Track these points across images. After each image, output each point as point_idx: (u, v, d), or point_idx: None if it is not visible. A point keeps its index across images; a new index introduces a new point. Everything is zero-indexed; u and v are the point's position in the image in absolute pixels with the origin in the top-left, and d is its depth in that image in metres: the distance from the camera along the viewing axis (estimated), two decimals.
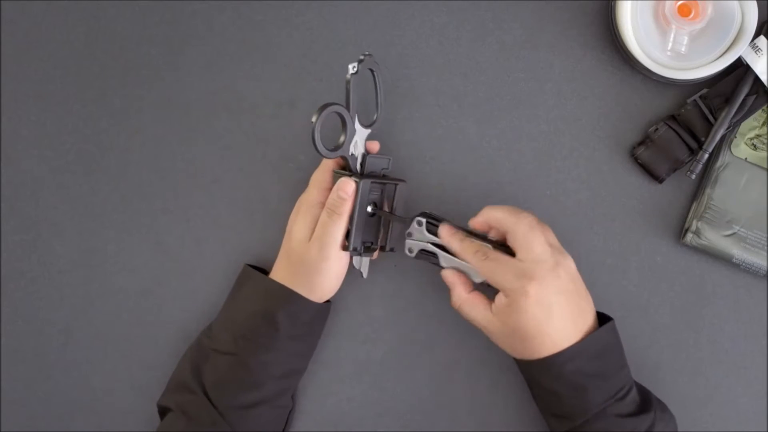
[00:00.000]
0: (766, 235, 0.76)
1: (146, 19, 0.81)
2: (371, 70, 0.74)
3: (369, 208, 0.74)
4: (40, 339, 0.80)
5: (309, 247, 0.73)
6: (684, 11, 0.75)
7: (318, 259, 0.72)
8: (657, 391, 0.78)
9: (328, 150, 0.70)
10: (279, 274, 0.75)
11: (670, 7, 0.75)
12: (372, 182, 0.73)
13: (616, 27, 0.77)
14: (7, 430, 0.80)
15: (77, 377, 0.80)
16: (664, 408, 0.73)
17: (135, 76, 0.81)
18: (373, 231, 0.76)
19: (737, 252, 0.76)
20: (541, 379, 0.69)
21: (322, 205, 0.73)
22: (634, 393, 0.70)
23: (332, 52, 0.81)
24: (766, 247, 0.76)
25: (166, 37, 0.81)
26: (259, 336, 0.73)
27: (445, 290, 0.79)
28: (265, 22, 0.81)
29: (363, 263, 0.77)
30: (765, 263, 0.76)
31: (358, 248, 0.74)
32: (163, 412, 0.75)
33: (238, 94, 0.81)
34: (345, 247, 0.73)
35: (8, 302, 0.80)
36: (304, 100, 0.81)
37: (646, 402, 0.71)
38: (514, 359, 0.72)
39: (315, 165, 0.78)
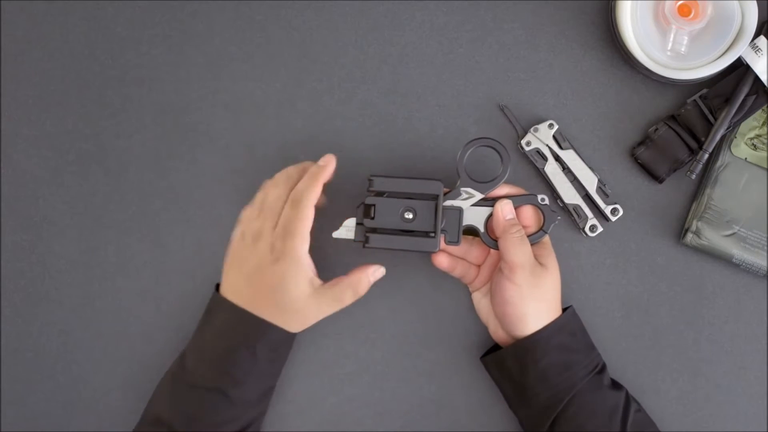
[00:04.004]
0: (766, 235, 0.76)
1: (146, 19, 0.81)
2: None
3: (409, 214, 0.72)
4: (40, 339, 0.80)
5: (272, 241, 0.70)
6: (684, 11, 0.75)
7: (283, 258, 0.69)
8: (658, 391, 0.78)
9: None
10: (240, 293, 0.71)
11: (670, 7, 0.75)
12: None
13: (616, 27, 0.77)
14: (7, 430, 0.80)
15: (77, 377, 0.80)
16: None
17: (135, 76, 0.81)
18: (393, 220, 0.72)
19: (737, 252, 0.76)
20: (528, 358, 0.71)
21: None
22: (607, 371, 0.74)
23: (332, 52, 0.81)
24: (766, 247, 0.76)
25: (166, 37, 0.81)
26: (238, 368, 0.70)
27: (444, 291, 0.79)
28: (265, 22, 0.81)
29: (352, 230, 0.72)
30: (765, 263, 0.76)
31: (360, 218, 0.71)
32: None
33: (238, 94, 0.81)
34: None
35: (8, 302, 0.80)
36: (304, 100, 0.81)
37: (615, 382, 0.75)
38: (492, 357, 0.75)
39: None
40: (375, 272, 0.73)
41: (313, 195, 0.70)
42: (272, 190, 0.72)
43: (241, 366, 0.70)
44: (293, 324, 0.72)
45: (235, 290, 0.72)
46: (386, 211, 0.72)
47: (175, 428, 0.70)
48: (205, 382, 0.70)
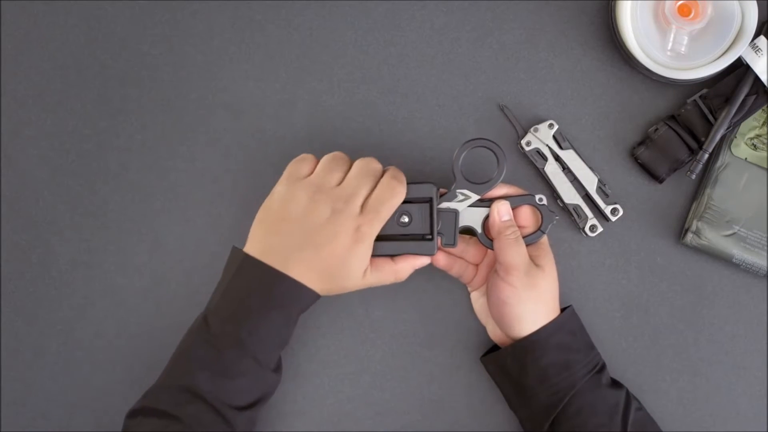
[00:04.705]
0: (766, 235, 0.76)
1: (146, 19, 0.81)
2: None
3: (405, 218, 0.72)
4: (40, 339, 0.80)
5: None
6: (684, 11, 0.75)
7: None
8: (658, 391, 0.78)
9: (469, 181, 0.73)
10: (278, 254, 0.69)
11: (670, 7, 0.75)
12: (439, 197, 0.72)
13: (616, 27, 0.77)
14: (7, 430, 0.80)
15: (77, 377, 0.80)
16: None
17: (135, 76, 0.81)
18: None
19: (737, 252, 0.76)
20: (527, 358, 0.71)
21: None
22: (607, 370, 0.74)
23: (332, 52, 0.81)
24: (766, 247, 0.76)
25: (166, 37, 0.81)
26: (268, 331, 0.69)
27: (444, 291, 0.79)
28: (265, 22, 0.81)
29: None
30: (765, 263, 0.76)
31: None
32: (150, 413, 0.68)
33: (238, 94, 0.81)
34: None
35: (8, 302, 0.80)
36: (304, 100, 0.81)
37: (615, 381, 0.75)
38: (492, 357, 0.75)
39: None
40: (421, 263, 0.73)
41: (403, 190, 0.71)
42: (360, 170, 0.70)
43: (271, 329, 0.69)
44: (328, 291, 0.71)
45: (274, 250, 0.69)
46: None
47: (205, 397, 0.67)
48: (236, 346, 0.68)
